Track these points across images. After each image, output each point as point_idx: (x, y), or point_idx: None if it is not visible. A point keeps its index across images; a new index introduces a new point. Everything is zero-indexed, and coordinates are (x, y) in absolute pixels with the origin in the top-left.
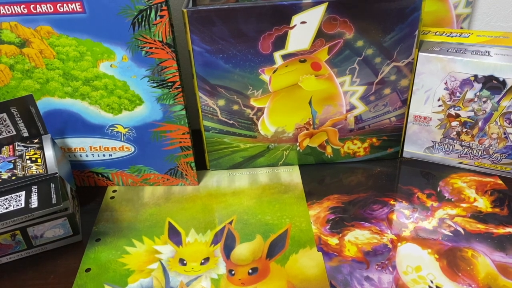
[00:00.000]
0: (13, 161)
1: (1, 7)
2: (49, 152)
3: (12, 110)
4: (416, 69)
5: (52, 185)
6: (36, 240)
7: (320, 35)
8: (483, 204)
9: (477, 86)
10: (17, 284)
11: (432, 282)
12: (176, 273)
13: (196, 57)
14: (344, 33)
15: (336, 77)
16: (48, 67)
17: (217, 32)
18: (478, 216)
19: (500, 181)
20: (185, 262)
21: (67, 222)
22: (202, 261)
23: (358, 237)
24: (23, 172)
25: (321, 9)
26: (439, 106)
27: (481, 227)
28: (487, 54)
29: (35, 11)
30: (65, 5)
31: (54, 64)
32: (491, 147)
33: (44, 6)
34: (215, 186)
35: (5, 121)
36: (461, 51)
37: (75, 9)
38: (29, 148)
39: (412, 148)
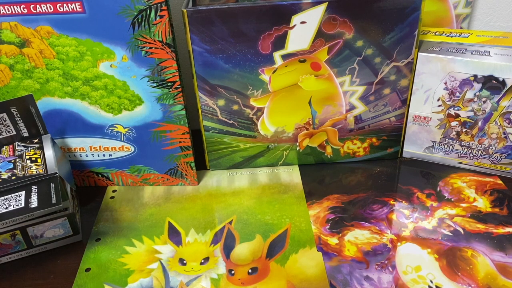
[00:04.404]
0: (13, 161)
1: (1, 7)
2: (49, 152)
3: (12, 110)
4: (415, 69)
5: (52, 185)
6: (36, 240)
7: (320, 35)
8: (483, 204)
9: (477, 86)
10: (17, 284)
11: (431, 281)
12: (176, 273)
13: (196, 57)
14: (343, 33)
15: (335, 77)
16: (48, 67)
17: (217, 32)
18: (478, 216)
19: (499, 181)
20: (185, 262)
21: (67, 222)
22: (202, 261)
23: (358, 237)
24: (23, 172)
25: (320, 9)
26: (439, 106)
27: (480, 227)
28: (486, 54)
29: (35, 11)
30: (65, 5)
31: (54, 64)
32: (490, 147)
33: (44, 6)
34: (215, 186)
35: (5, 121)
36: (461, 51)
37: (75, 9)
38: (29, 148)
39: (412, 148)
